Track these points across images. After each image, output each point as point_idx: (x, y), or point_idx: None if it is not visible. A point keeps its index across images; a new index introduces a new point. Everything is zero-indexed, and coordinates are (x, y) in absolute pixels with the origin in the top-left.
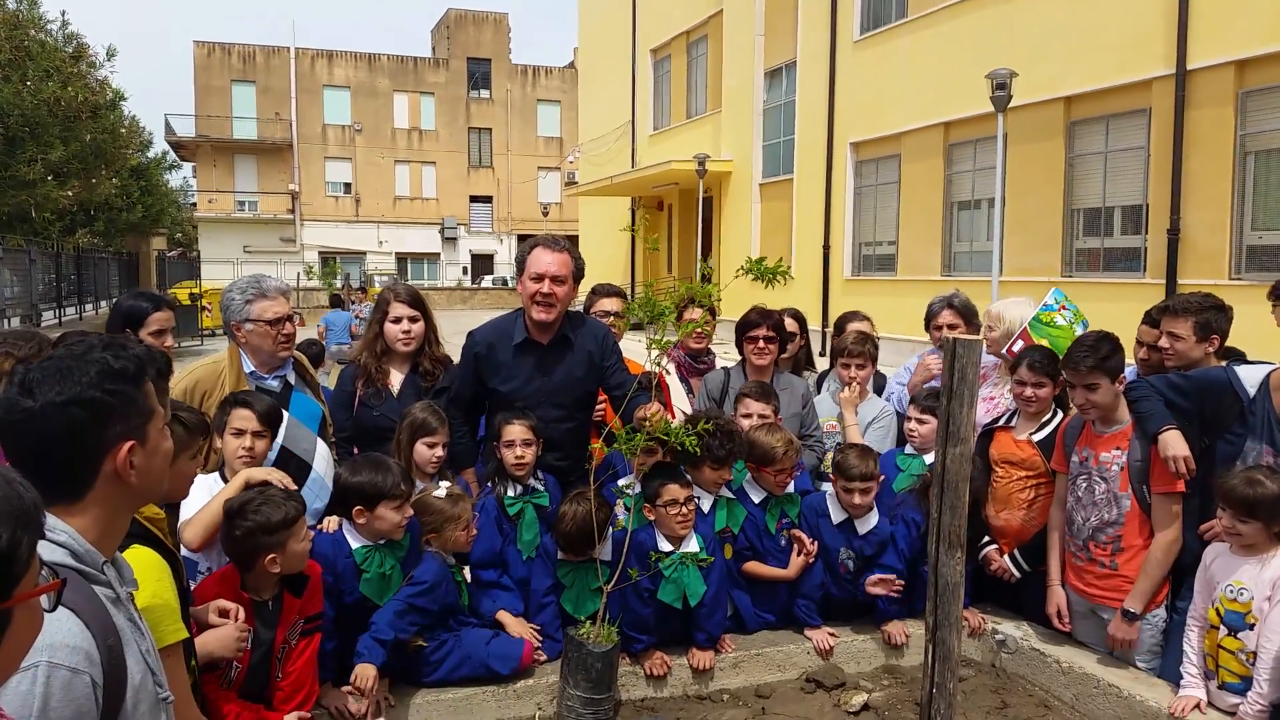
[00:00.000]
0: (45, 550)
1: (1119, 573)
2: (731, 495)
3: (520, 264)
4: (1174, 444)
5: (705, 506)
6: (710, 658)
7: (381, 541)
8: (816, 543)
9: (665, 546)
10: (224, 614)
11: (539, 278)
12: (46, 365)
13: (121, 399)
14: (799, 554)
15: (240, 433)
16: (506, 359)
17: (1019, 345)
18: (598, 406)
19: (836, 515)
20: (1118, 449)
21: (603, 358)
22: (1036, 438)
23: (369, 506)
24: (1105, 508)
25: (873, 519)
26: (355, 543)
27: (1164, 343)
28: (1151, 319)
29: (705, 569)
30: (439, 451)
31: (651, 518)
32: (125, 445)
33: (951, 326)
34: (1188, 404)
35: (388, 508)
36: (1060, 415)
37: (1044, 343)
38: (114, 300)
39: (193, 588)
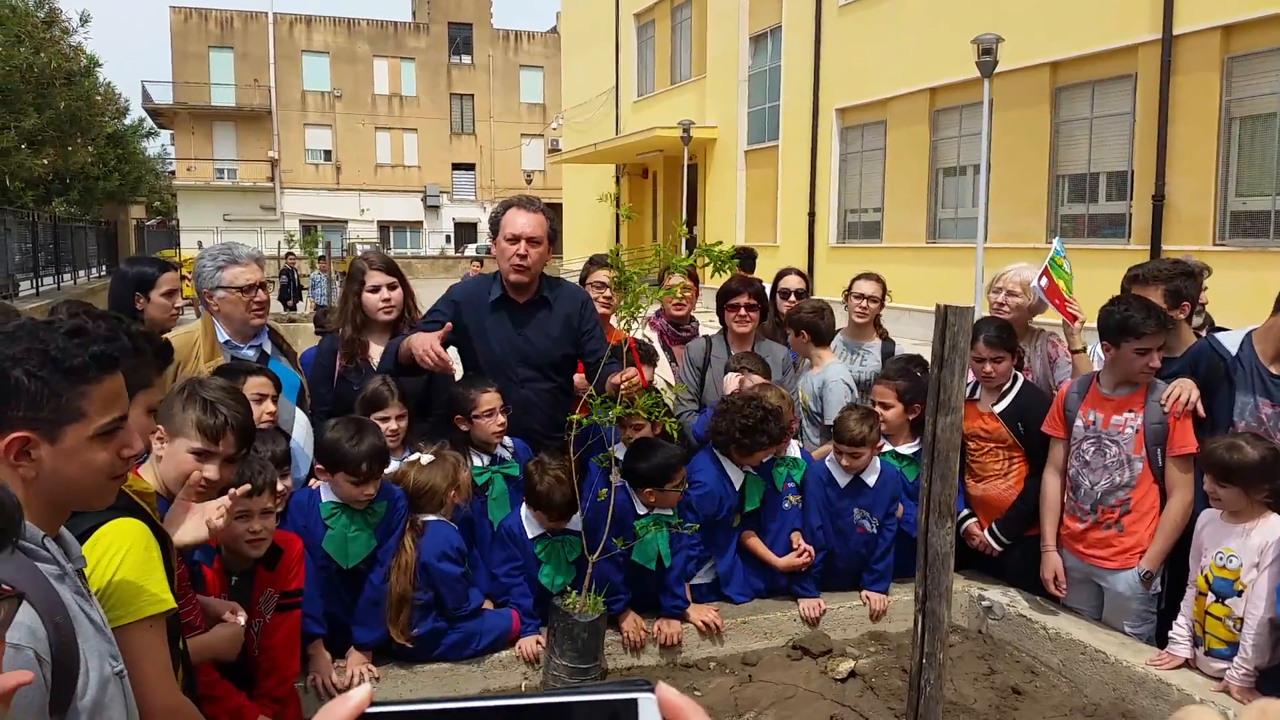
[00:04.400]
0: None
1: (1123, 534)
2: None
3: (495, 225)
4: (1183, 383)
5: (738, 483)
6: (678, 629)
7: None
8: (810, 550)
9: (640, 510)
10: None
11: (514, 239)
12: (9, 325)
13: (38, 385)
14: (798, 554)
15: (260, 399)
16: (483, 315)
17: (1044, 281)
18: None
19: (842, 479)
20: (1130, 411)
21: (580, 322)
22: (999, 408)
23: (329, 470)
24: (1117, 470)
25: (875, 469)
26: (327, 496)
27: None
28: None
29: (674, 535)
30: (391, 425)
31: (652, 499)
32: (14, 434)
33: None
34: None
35: (345, 479)
36: (1020, 381)
37: (1061, 284)
38: (109, 269)
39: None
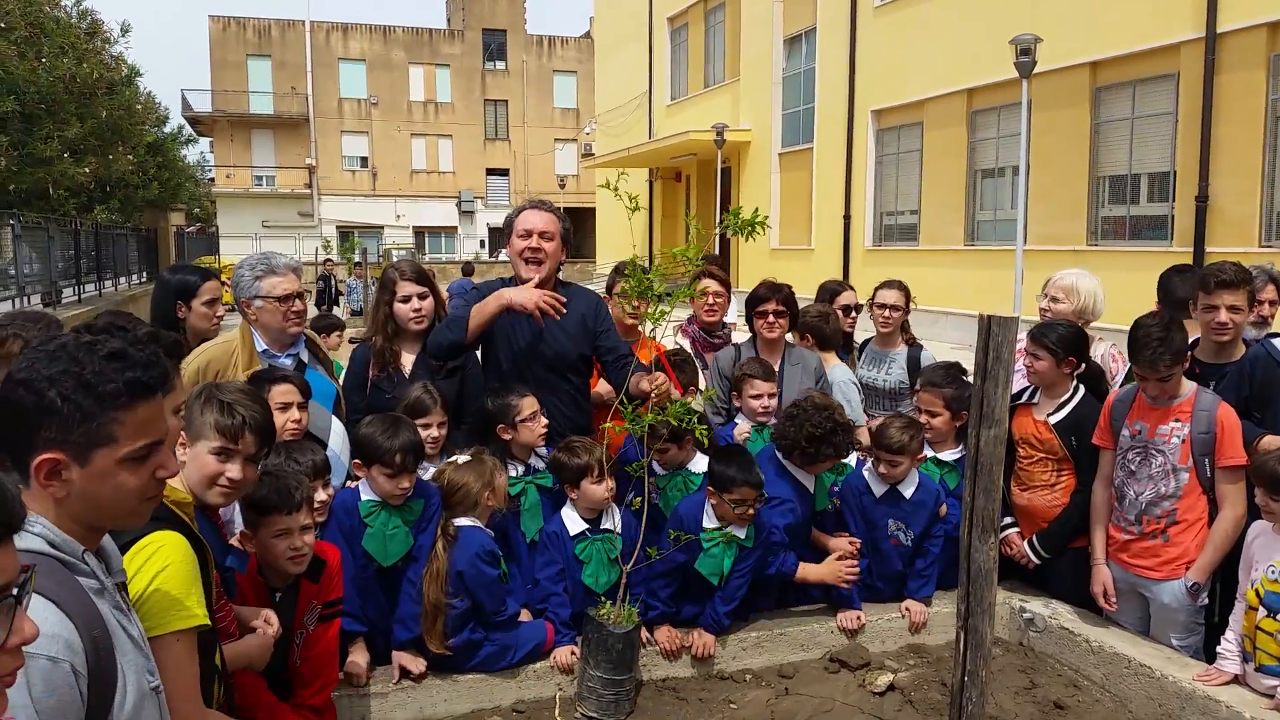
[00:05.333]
0: (21, 538)
1: (1169, 544)
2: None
3: (509, 226)
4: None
5: (811, 488)
6: (711, 641)
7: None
8: (858, 543)
9: (710, 524)
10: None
11: (527, 234)
12: (51, 343)
13: (71, 408)
14: (838, 558)
15: (286, 406)
16: (502, 316)
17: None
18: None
19: (878, 488)
20: (1177, 421)
21: (595, 322)
22: (1054, 419)
23: (365, 464)
24: (1163, 480)
25: (913, 481)
26: (366, 495)
27: (1224, 317)
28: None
29: (740, 557)
30: (433, 432)
31: (713, 501)
32: (46, 454)
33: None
34: (1235, 389)
35: (379, 472)
36: (1081, 392)
37: None
38: (150, 276)
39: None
